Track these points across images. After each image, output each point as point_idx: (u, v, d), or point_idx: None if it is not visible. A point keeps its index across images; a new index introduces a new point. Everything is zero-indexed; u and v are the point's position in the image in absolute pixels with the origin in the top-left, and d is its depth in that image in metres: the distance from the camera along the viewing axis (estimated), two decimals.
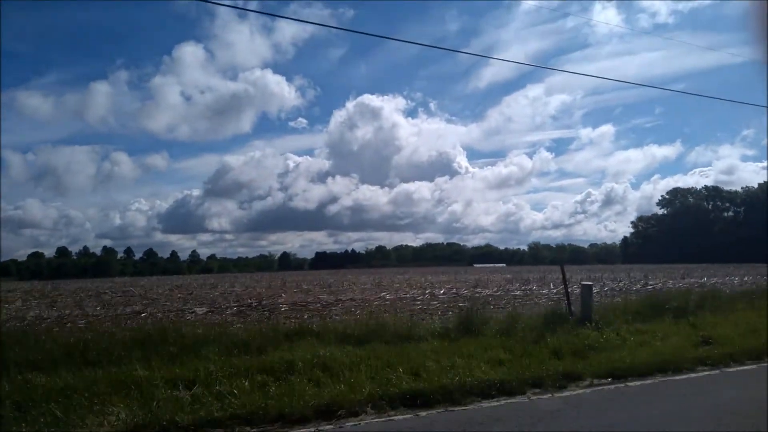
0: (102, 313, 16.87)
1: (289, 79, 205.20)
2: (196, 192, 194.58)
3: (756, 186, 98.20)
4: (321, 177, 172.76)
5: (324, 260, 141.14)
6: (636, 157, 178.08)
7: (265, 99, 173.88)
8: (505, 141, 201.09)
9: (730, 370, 8.59)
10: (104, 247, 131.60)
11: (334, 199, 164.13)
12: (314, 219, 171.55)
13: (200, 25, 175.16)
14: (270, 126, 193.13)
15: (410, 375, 7.40)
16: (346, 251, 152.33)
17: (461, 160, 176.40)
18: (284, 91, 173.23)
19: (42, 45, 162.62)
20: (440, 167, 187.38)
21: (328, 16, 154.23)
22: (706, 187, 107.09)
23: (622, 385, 7.57)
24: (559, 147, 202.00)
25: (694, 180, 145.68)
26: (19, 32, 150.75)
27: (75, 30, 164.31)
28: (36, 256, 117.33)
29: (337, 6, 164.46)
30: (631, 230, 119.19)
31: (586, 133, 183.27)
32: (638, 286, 26.12)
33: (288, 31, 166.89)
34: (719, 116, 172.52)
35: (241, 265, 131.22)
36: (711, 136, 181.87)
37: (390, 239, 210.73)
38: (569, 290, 13.40)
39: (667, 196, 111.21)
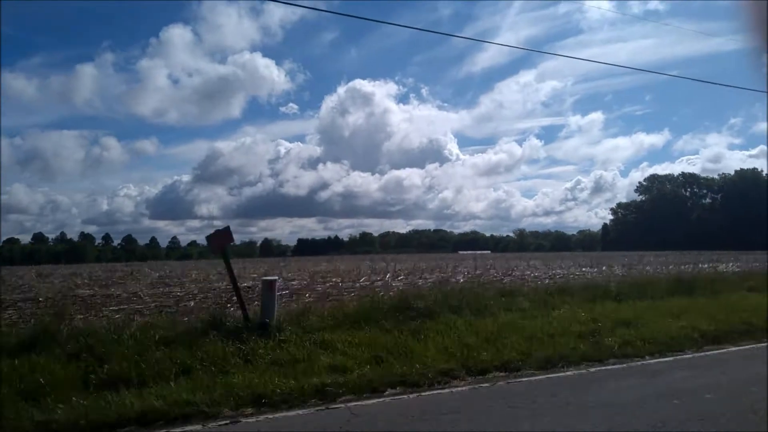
0: None
1: (278, 63, 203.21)
2: (185, 178, 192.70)
3: (733, 173, 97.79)
4: (312, 163, 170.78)
5: (307, 247, 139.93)
6: (624, 145, 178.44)
7: (255, 83, 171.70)
8: (496, 128, 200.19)
9: None
10: (81, 233, 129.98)
11: (324, 186, 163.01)
12: (305, 205, 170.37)
13: (188, 7, 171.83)
14: (261, 111, 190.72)
15: None
16: (329, 238, 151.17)
17: (452, 147, 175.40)
18: (274, 75, 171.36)
19: (27, 27, 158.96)
20: (431, 154, 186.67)
21: None
22: (683, 174, 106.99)
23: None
24: (548, 134, 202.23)
25: (682, 168, 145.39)
26: (4, 14, 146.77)
27: (60, 11, 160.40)
28: (10, 241, 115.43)
29: None
30: (611, 217, 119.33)
31: (575, 120, 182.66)
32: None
33: (277, 13, 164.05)
34: (707, 105, 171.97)
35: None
36: (698, 125, 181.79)
37: (381, 226, 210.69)
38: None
39: (645, 183, 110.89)
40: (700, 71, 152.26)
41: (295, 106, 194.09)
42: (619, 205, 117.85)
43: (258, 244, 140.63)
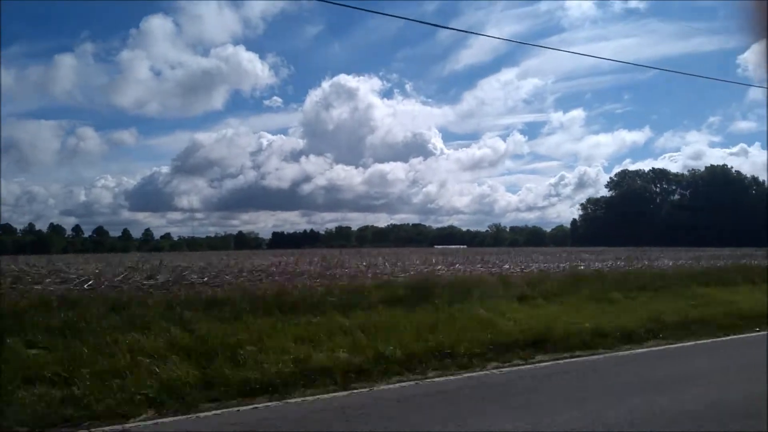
0: None
1: (262, 57, 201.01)
2: (165, 169, 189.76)
3: (703, 169, 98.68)
4: (295, 156, 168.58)
5: (282, 240, 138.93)
6: (606, 142, 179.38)
7: (238, 77, 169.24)
8: (479, 123, 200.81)
9: None
10: (51, 224, 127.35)
11: (307, 179, 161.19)
12: (287, 198, 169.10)
13: None
14: (244, 104, 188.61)
15: None
16: (305, 231, 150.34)
17: (436, 141, 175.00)
18: (257, 69, 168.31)
19: (5, 15, 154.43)
20: (415, 148, 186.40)
21: None
22: (653, 170, 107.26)
23: None
24: (531, 130, 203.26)
25: (664, 164, 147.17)
26: None
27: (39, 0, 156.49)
28: None
29: None
30: (580, 212, 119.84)
31: (557, 117, 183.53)
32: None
33: (257, 6, 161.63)
34: (685, 104, 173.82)
35: (195, 244, 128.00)
36: (678, 123, 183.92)
37: (364, 219, 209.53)
38: None
39: (615, 178, 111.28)
40: (682, 69, 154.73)
41: (279, 99, 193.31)
42: (589, 200, 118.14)
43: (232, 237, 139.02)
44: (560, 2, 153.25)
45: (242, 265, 26.91)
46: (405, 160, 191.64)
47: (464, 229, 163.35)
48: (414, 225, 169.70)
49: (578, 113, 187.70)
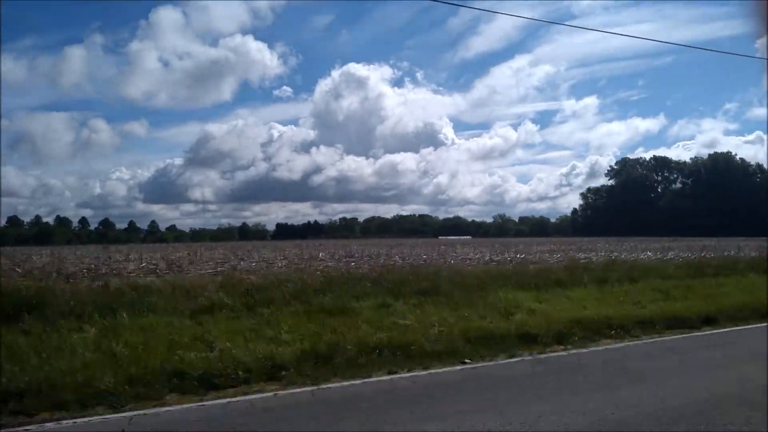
0: None
1: (271, 47, 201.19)
2: (178, 161, 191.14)
3: (706, 156, 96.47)
4: (305, 147, 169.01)
5: (286, 231, 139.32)
6: (619, 130, 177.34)
7: (247, 66, 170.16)
8: (491, 112, 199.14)
9: None
10: (57, 217, 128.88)
11: (318, 170, 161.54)
12: (298, 190, 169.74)
13: None
14: (253, 94, 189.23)
15: None
16: (308, 223, 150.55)
17: (447, 131, 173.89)
18: (266, 59, 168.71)
19: (18, 7, 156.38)
20: (425, 138, 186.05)
21: None
22: (654, 157, 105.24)
23: None
24: (543, 119, 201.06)
25: (678, 153, 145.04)
26: None
27: None
28: None
29: None
30: (580, 202, 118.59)
31: (569, 105, 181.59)
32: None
33: None
34: (701, 90, 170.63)
35: (199, 236, 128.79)
36: (693, 110, 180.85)
37: (375, 210, 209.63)
38: None
39: (615, 167, 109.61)
40: (697, 55, 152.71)
41: (289, 89, 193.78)
42: (589, 189, 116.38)
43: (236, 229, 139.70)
44: None
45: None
46: (415, 150, 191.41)
47: (469, 219, 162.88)
48: (420, 216, 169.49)
49: (591, 101, 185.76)
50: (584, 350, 8.63)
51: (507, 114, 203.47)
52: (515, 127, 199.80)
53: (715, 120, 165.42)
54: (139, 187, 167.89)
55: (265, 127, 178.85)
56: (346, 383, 6.75)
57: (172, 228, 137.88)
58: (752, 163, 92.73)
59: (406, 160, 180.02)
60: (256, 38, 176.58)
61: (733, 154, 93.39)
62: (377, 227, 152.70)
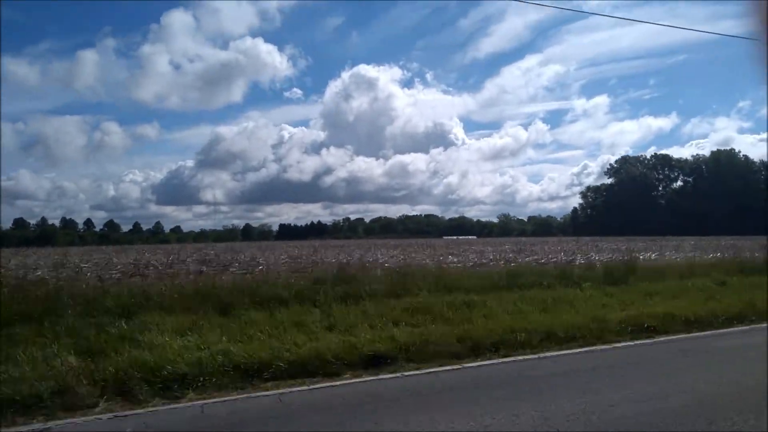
0: None
1: (280, 49, 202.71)
2: (189, 163, 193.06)
3: (708, 154, 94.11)
4: (315, 148, 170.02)
5: (289, 232, 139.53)
6: (631, 129, 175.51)
7: (257, 69, 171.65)
8: (501, 112, 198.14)
9: None
10: (63, 218, 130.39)
11: (328, 171, 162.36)
12: (309, 191, 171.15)
13: None
14: (264, 96, 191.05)
15: None
16: (312, 223, 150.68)
17: (458, 131, 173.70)
18: (276, 61, 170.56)
19: (34, 12, 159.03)
20: (435, 138, 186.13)
21: None
22: (655, 155, 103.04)
23: None
24: (554, 118, 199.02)
25: (691, 152, 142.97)
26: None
27: None
28: None
29: None
30: (580, 201, 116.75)
31: (580, 104, 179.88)
32: None
33: None
34: (714, 88, 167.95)
35: (203, 237, 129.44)
36: (706, 108, 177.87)
37: (386, 211, 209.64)
38: None
39: (615, 165, 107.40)
40: (710, 54, 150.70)
41: (299, 91, 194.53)
42: (589, 188, 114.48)
43: (239, 229, 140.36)
44: None
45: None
46: (425, 150, 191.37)
47: (474, 219, 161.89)
48: (426, 216, 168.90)
49: (602, 100, 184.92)
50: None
51: (517, 113, 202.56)
52: (526, 126, 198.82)
53: (729, 118, 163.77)
54: (151, 189, 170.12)
55: (275, 128, 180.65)
56: None
57: (176, 229, 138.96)
58: (756, 160, 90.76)
59: (416, 161, 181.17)
60: (266, 41, 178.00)
61: (736, 151, 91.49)
62: (381, 228, 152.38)
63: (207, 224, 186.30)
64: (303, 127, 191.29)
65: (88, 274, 15.54)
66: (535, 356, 7.77)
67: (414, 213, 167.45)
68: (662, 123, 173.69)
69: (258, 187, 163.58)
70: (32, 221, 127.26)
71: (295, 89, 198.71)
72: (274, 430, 5.09)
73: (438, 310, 9.80)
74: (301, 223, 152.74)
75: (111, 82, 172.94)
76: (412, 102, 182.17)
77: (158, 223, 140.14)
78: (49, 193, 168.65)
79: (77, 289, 10.42)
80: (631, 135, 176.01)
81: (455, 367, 7.17)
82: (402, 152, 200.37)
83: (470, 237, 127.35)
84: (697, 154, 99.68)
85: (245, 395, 6.07)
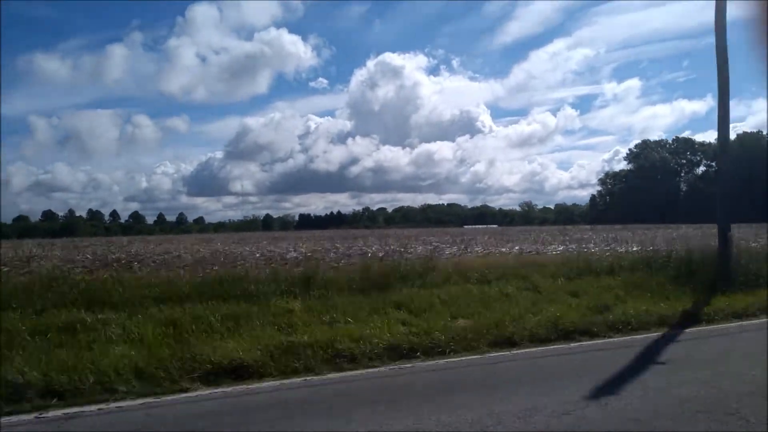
0: None
1: (304, 39, 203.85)
2: (218, 154, 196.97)
3: (734, 137, 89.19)
4: (341, 138, 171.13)
5: (308, 222, 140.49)
6: (664, 113, 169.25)
7: (282, 59, 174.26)
8: (530, 98, 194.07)
9: None
10: (90, 210, 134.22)
11: (355, 161, 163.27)
12: (336, 180, 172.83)
13: None
14: (289, 87, 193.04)
15: None
16: (332, 213, 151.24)
17: (485, 119, 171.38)
18: (300, 51, 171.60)
19: (65, 8, 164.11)
20: (462, 126, 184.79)
21: None
22: (677, 139, 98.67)
23: None
24: (583, 104, 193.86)
25: (739, 138, 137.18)
26: None
27: None
28: (20, 219, 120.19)
29: None
30: (599, 188, 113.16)
31: (610, 88, 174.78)
32: None
33: None
34: (752, 69, 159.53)
35: (222, 228, 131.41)
36: (744, 90, 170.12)
37: (414, 200, 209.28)
38: None
39: (635, 150, 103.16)
40: (746, 35, 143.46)
41: (325, 81, 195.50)
42: (608, 174, 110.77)
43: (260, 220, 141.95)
44: None
45: None
46: (452, 139, 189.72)
47: (497, 208, 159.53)
48: (449, 205, 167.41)
49: (634, 83, 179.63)
50: None
51: (546, 99, 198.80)
52: (554, 112, 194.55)
53: None
54: (182, 180, 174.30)
55: (302, 119, 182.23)
56: None
57: (199, 220, 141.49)
58: None
59: (443, 149, 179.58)
60: (290, 31, 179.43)
61: (764, 133, 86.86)
62: (402, 217, 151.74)
63: (236, 215, 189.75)
64: (329, 117, 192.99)
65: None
66: None
67: (441, 202, 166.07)
68: (697, 106, 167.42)
69: (286, 178, 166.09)
70: (61, 213, 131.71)
71: (320, 79, 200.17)
72: None
73: None
74: (328, 212, 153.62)
75: (140, 75, 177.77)
76: (438, 90, 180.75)
77: (182, 214, 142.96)
78: (85, 185, 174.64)
79: None
80: (664, 119, 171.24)
81: None
82: (428, 141, 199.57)
83: (492, 226, 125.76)
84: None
85: None
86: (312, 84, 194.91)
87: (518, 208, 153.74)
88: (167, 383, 6.20)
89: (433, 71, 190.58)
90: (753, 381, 5.93)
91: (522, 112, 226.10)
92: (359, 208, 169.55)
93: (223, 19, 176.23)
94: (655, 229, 43.71)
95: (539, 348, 8.10)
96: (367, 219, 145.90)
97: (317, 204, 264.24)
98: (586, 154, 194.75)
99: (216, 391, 6.17)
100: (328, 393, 6.17)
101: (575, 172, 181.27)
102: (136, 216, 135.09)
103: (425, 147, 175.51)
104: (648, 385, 5.91)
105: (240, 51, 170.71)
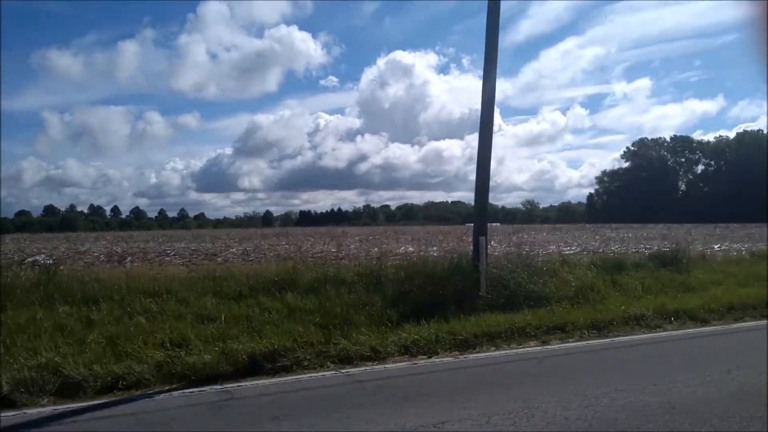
0: None
1: (314, 36, 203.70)
2: (228, 151, 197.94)
3: (734, 135, 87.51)
4: (351, 135, 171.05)
5: (309, 219, 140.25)
6: (674, 113, 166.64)
7: (292, 57, 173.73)
8: (540, 97, 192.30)
9: None
10: (91, 205, 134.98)
11: (363, 158, 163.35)
12: (344, 178, 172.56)
13: None
14: (299, 84, 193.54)
15: None
16: (332, 210, 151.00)
17: (495, 117, 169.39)
18: (310, 49, 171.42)
19: (79, 5, 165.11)
20: (471, 124, 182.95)
21: None
22: (675, 137, 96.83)
23: None
24: (593, 103, 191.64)
25: (739, 136, 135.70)
26: None
27: None
28: (21, 213, 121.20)
29: None
30: (596, 187, 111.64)
31: (620, 87, 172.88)
32: None
33: None
34: (765, 69, 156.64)
35: (222, 224, 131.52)
36: (756, 90, 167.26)
37: (422, 197, 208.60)
38: None
39: (633, 148, 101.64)
40: (745, 35, 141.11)
41: (335, 79, 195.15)
42: (605, 173, 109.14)
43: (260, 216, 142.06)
44: None
45: None
46: (461, 137, 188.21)
47: (499, 206, 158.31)
48: (453, 203, 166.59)
49: (644, 83, 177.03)
50: None
51: (555, 98, 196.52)
52: (564, 111, 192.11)
53: None
54: (192, 176, 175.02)
55: (311, 116, 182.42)
56: None
57: (199, 216, 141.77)
58: None
59: (452, 147, 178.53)
60: (300, 28, 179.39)
61: (764, 132, 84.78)
62: (404, 214, 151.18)
63: (245, 211, 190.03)
64: (339, 115, 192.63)
65: None
66: None
67: (448, 200, 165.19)
68: (708, 106, 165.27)
69: (294, 175, 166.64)
70: (62, 208, 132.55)
71: (330, 77, 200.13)
72: None
73: None
74: (334, 209, 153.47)
75: (151, 72, 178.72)
76: (448, 88, 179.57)
77: (183, 209, 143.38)
78: (95, 181, 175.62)
79: None
80: (674, 119, 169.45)
81: None
82: (437, 138, 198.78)
83: (494, 224, 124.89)
84: (720, 137, 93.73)
85: None
86: (322, 82, 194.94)
87: (521, 207, 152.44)
88: None
89: (443, 69, 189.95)
90: None
91: (531, 111, 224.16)
92: (366, 205, 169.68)
93: (233, 16, 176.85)
94: (639, 229, 42.59)
95: None
96: (368, 216, 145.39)
97: (325, 201, 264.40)
98: (596, 152, 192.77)
99: None
100: None
101: (585, 170, 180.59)
102: (137, 211, 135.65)
103: (434, 145, 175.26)
104: None
105: (250, 48, 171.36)
